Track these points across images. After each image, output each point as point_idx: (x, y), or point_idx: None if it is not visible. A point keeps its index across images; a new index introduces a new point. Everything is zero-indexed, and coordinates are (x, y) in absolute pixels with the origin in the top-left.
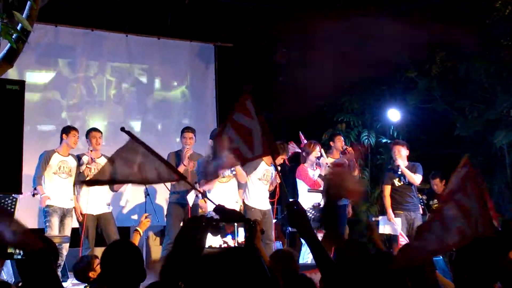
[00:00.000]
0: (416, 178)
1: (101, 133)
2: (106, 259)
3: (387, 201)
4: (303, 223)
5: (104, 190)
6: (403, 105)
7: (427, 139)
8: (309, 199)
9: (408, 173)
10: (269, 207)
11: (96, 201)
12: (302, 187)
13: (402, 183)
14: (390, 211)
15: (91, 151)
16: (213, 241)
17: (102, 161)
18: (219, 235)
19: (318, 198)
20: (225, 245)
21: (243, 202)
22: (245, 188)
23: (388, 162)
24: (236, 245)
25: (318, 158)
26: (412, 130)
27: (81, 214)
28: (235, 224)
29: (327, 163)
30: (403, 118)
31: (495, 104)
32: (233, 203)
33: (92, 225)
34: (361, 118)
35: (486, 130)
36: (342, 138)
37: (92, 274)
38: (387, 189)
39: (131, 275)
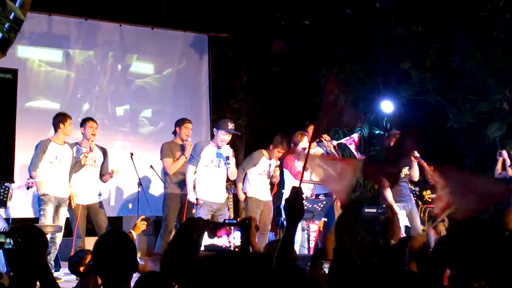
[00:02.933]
0: (417, 172)
1: (97, 123)
2: (99, 249)
3: (389, 194)
4: (299, 214)
5: (94, 180)
6: (396, 97)
7: (420, 130)
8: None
9: (415, 167)
10: (269, 198)
11: (86, 191)
12: (288, 177)
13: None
14: (394, 204)
15: (92, 141)
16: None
17: (95, 151)
18: (215, 237)
19: (305, 190)
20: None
21: (245, 194)
22: (246, 180)
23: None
24: (232, 248)
25: (305, 149)
26: (405, 121)
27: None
28: (231, 227)
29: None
30: (396, 110)
31: (488, 96)
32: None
33: (82, 215)
34: (355, 109)
35: (479, 122)
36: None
37: (83, 269)
38: (386, 184)
39: (123, 266)
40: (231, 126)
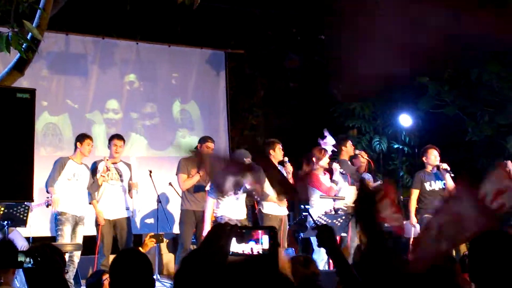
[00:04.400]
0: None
1: (123, 140)
2: (115, 267)
3: (412, 205)
4: (332, 243)
5: (120, 195)
6: (414, 111)
7: (438, 144)
8: (321, 205)
9: (448, 179)
10: (286, 213)
11: (112, 206)
12: (314, 193)
13: (433, 188)
14: (412, 215)
15: (107, 159)
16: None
17: (121, 166)
18: (243, 242)
19: (330, 205)
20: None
21: (259, 210)
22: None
23: (417, 165)
24: (260, 252)
25: (328, 163)
26: (423, 135)
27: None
28: (259, 231)
29: (337, 168)
30: (414, 124)
31: (506, 109)
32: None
33: (108, 231)
34: (373, 124)
35: (498, 135)
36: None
37: None
38: (415, 193)
39: (140, 284)
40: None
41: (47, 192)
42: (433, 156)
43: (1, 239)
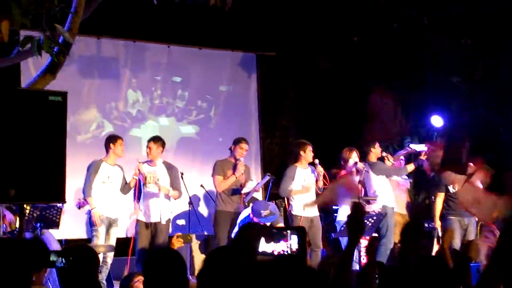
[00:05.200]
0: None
1: (159, 142)
2: (149, 267)
3: (437, 208)
4: (359, 230)
5: (161, 199)
6: (446, 111)
7: (470, 144)
8: (348, 206)
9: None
10: (316, 213)
11: (152, 209)
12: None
13: (456, 189)
14: (437, 219)
15: (139, 162)
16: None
17: (159, 169)
18: (272, 242)
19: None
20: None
21: (289, 212)
22: (290, 198)
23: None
24: (289, 252)
25: (356, 163)
26: (455, 135)
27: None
28: (288, 231)
29: (364, 168)
30: (446, 124)
31: None
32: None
33: (145, 233)
34: (404, 124)
35: None
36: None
37: None
38: (441, 196)
39: (173, 283)
40: (265, 213)
41: (84, 199)
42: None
43: (32, 239)
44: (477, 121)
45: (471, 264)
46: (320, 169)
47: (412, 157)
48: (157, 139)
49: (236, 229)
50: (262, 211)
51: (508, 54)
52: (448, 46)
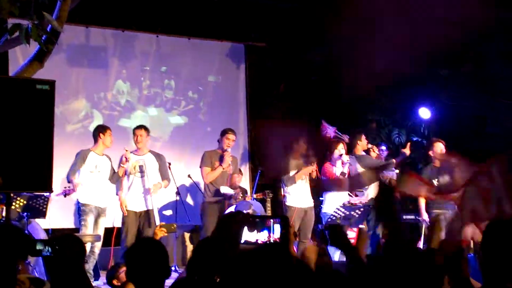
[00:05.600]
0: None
1: (146, 130)
2: (131, 256)
3: (421, 201)
4: (345, 241)
5: (142, 188)
6: (434, 103)
7: (458, 136)
8: (334, 198)
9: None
10: (311, 204)
11: (138, 198)
12: None
13: (441, 183)
14: (423, 211)
15: (126, 150)
16: (250, 236)
17: (148, 157)
18: (255, 231)
19: (344, 197)
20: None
21: (284, 204)
22: (284, 189)
23: (420, 160)
24: (272, 241)
25: (341, 155)
26: (443, 128)
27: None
28: (271, 220)
29: (348, 161)
30: (434, 116)
31: None
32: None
33: (133, 223)
34: (392, 117)
35: None
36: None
37: (116, 282)
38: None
39: (155, 272)
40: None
41: (68, 182)
42: (439, 150)
43: (16, 229)
44: (465, 112)
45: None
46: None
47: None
48: (144, 127)
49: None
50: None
51: (496, 46)
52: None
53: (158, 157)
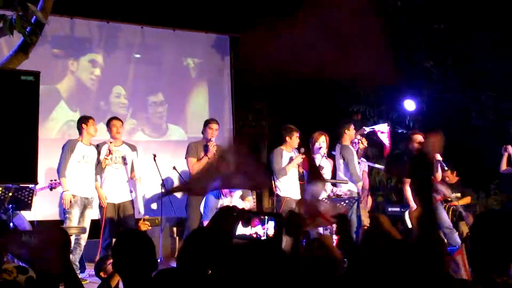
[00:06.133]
0: (439, 175)
1: (122, 122)
2: (118, 248)
3: (407, 193)
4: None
5: (124, 178)
6: (419, 95)
7: (442, 128)
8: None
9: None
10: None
11: (117, 189)
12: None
13: None
14: (411, 203)
15: (110, 142)
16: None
17: (123, 149)
18: (249, 226)
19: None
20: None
21: (276, 194)
22: (276, 181)
23: (404, 152)
24: (265, 237)
25: (320, 148)
26: (427, 120)
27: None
28: (265, 216)
29: (325, 154)
30: (419, 108)
31: (510, 93)
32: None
33: (112, 215)
34: (377, 109)
35: (502, 119)
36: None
37: (103, 274)
38: (407, 182)
39: (142, 264)
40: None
41: (58, 178)
42: (417, 141)
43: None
44: (449, 104)
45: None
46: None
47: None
48: (119, 118)
49: (202, 205)
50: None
51: (480, 39)
52: (421, 30)
53: (133, 148)
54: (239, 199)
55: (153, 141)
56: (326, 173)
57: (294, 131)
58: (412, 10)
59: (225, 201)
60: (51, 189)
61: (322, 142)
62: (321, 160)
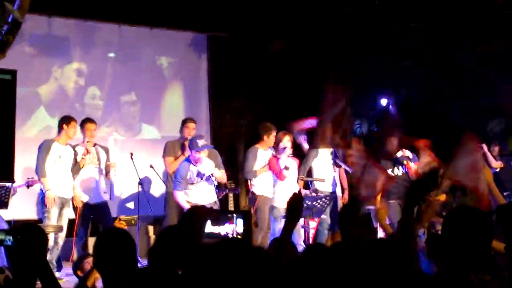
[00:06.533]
0: (413, 170)
1: (96, 124)
2: (98, 247)
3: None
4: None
5: (100, 179)
6: (396, 94)
7: (420, 126)
8: (283, 190)
9: (412, 165)
10: None
11: (92, 190)
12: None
13: (396, 173)
14: (377, 200)
15: (88, 142)
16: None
17: (97, 150)
18: (218, 224)
19: (294, 189)
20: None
21: (252, 192)
22: (251, 180)
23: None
24: (234, 235)
25: (284, 148)
26: (405, 118)
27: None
28: (234, 214)
29: (290, 154)
30: (396, 107)
31: (488, 92)
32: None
33: (87, 214)
34: (353, 107)
35: (480, 117)
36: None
37: (79, 272)
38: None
39: (123, 263)
40: (201, 143)
41: (38, 179)
42: (393, 143)
43: None
44: (427, 103)
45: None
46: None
47: None
48: (93, 120)
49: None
50: (198, 141)
51: (458, 37)
52: (399, 29)
53: (105, 149)
54: (214, 168)
55: (128, 140)
56: (292, 173)
57: (272, 130)
58: (390, 9)
59: (200, 168)
60: (28, 187)
61: (286, 141)
62: (286, 160)
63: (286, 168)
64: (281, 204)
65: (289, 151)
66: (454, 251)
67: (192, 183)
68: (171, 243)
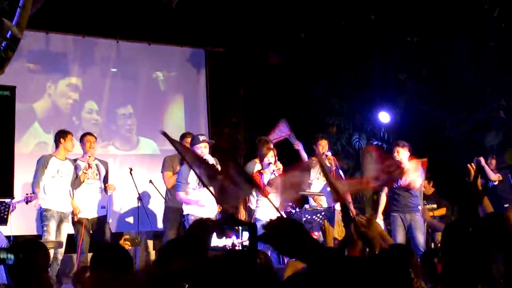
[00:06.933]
0: (418, 182)
1: (95, 137)
2: (96, 263)
3: (381, 203)
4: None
5: (98, 194)
6: (393, 107)
7: (417, 140)
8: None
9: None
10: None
11: (90, 204)
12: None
13: (398, 185)
14: (379, 213)
15: (89, 156)
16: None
17: (97, 164)
18: (223, 237)
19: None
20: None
21: (249, 207)
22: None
23: None
24: (240, 248)
25: (269, 164)
26: (402, 131)
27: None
28: (240, 227)
29: (274, 171)
30: (393, 120)
31: (484, 105)
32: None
33: (86, 229)
34: (352, 121)
35: (476, 131)
36: (323, 143)
37: (80, 287)
38: (384, 191)
39: (120, 279)
40: (202, 138)
41: (33, 193)
42: (395, 153)
43: None
44: (423, 116)
45: None
46: (279, 165)
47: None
48: (93, 134)
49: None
50: (199, 137)
51: (454, 51)
52: (395, 43)
53: (104, 164)
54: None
55: (126, 154)
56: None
57: (269, 143)
58: (386, 23)
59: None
60: (26, 203)
61: (271, 157)
62: (270, 176)
63: (269, 184)
64: (264, 217)
65: (273, 166)
66: (452, 264)
67: (194, 189)
68: (176, 256)
